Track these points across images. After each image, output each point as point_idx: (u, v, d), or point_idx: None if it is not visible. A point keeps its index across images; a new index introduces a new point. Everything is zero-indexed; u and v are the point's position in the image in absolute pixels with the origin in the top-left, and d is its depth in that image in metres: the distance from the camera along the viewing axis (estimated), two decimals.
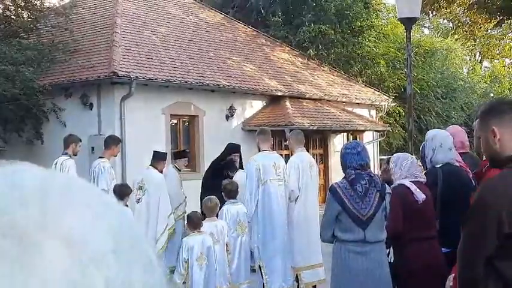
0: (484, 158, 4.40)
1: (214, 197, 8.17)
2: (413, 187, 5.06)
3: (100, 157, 10.08)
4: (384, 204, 5.14)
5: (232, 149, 11.21)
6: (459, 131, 6.72)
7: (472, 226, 2.96)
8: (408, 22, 11.53)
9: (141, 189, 9.59)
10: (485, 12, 18.20)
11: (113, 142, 10.20)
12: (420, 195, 5.03)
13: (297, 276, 9.28)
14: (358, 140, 23.37)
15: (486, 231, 2.87)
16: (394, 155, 5.63)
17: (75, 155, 9.94)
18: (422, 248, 5.05)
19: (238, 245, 8.56)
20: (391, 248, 5.50)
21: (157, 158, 10.13)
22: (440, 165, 5.58)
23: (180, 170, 10.84)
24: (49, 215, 0.62)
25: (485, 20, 20.75)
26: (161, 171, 10.01)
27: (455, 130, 6.62)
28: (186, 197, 10.85)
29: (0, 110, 16.09)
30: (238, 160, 10.94)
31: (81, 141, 10.35)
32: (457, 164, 5.65)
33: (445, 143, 5.67)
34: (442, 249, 5.18)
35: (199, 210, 8.40)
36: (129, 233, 0.68)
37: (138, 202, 9.55)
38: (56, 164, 9.74)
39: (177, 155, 11.23)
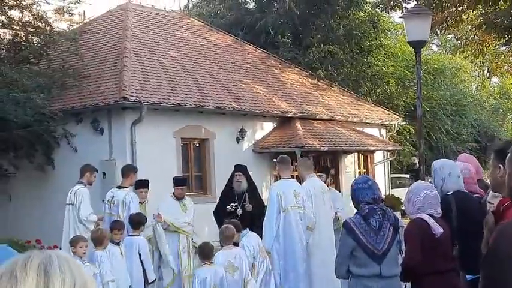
0: (501, 197, 4.40)
1: (232, 225, 8.11)
2: (431, 221, 5.02)
3: (121, 187, 9.87)
4: (397, 238, 5.12)
5: (236, 168, 10.51)
6: (472, 158, 6.78)
7: (489, 272, 2.94)
8: (418, 45, 11.58)
9: None
10: (493, 32, 18.20)
11: (130, 170, 10.18)
12: (438, 229, 4.97)
13: None
14: (368, 160, 23.39)
15: (503, 277, 2.85)
16: (411, 186, 5.56)
17: (90, 185, 9.94)
18: (440, 281, 4.99)
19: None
20: (407, 283, 5.45)
21: None
22: (451, 192, 5.61)
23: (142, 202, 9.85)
24: None
25: (493, 39, 20.72)
26: None
27: (468, 158, 6.71)
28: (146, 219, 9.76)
29: (12, 137, 16.17)
30: (244, 181, 10.18)
31: (97, 171, 10.37)
32: (466, 191, 5.73)
33: (454, 171, 5.77)
34: (467, 276, 5.16)
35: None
36: None
37: None
38: (71, 193, 9.77)
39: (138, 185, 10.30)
